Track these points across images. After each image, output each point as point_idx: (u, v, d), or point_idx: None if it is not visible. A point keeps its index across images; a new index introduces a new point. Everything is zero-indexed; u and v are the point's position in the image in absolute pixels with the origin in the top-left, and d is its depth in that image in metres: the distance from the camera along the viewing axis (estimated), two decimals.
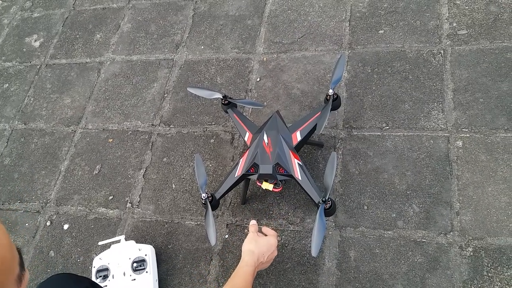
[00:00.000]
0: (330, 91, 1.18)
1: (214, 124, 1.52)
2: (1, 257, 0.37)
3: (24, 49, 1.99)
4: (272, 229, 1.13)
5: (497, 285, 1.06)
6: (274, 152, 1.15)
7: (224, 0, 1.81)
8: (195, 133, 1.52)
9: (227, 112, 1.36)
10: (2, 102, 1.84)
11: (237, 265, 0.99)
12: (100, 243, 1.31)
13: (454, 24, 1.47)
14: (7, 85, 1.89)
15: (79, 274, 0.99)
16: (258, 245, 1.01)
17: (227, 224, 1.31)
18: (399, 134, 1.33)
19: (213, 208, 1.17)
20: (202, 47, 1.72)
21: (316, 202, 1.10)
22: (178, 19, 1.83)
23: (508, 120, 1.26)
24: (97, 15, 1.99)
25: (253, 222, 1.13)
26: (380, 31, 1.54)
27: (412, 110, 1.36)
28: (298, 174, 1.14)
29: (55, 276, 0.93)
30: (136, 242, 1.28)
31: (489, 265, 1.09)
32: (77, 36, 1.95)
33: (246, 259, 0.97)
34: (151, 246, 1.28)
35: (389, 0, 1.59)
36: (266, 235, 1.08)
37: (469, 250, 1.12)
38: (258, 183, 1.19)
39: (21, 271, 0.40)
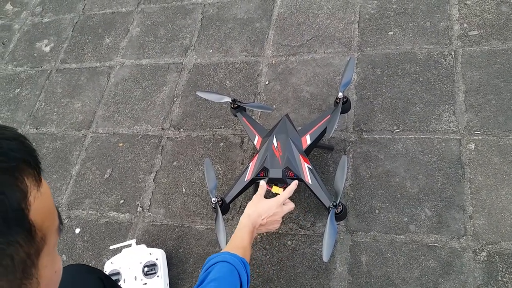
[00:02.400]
0: (340, 94, 1.18)
1: (223, 128, 1.52)
2: (48, 204, 0.42)
3: (35, 54, 2.01)
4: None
5: None
6: (283, 156, 1.15)
7: (233, 3, 1.81)
8: (205, 137, 1.52)
9: (236, 116, 1.36)
10: (13, 107, 1.87)
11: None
12: (111, 247, 1.32)
13: (465, 25, 1.46)
14: (18, 90, 1.92)
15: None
16: (257, 207, 1.03)
17: None
18: (410, 137, 1.31)
19: (223, 212, 1.17)
20: (211, 50, 1.73)
21: (327, 206, 1.09)
22: (186, 23, 1.84)
23: None
24: (106, 19, 2.00)
25: (262, 182, 1.13)
26: (390, 33, 1.53)
27: (423, 112, 1.34)
28: (308, 178, 1.14)
29: (69, 266, 0.96)
30: (147, 246, 1.29)
31: (503, 270, 1.07)
32: (87, 40, 1.96)
33: (243, 221, 1.01)
34: (162, 250, 1.29)
35: (399, 1, 1.58)
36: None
37: (483, 255, 1.10)
38: (268, 187, 1.19)
39: (60, 224, 0.46)
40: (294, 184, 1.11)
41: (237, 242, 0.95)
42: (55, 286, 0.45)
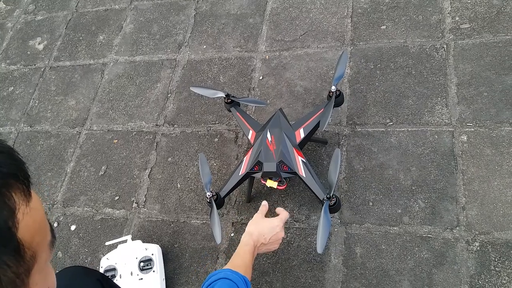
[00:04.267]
0: (333, 88, 1.19)
1: (217, 123, 1.52)
2: (39, 220, 0.40)
3: (28, 52, 2.00)
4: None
5: (504, 279, 1.06)
6: (277, 150, 1.15)
7: None
8: (199, 133, 1.52)
9: (230, 111, 1.36)
10: (7, 105, 1.86)
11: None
12: (107, 243, 1.32)
13: (457, 18, 1.46)
14: (12, 88, 1.91)
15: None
16: (259, 226, 1.03)
17: (233, 223, 1.32)
18: (403, 129, 1.32)
19: (218, 207, 1.18)
20: (205, 46, 1.73)
21: (321, 199, 1.10)
22: (180, 19, 1.84)
23: None
24: (99, 16, 2.00)
25: (264, 203, 1.14)
26: (382, 27, 1.53)
27: (415, 105, 1.35)
28: (302, 171, 1.14)
29: (67, 268, 0.96)
30: (143, 242, 1.29)
31: (496, 259, 1.09)
32: (80, 38, 1.96)
33: (244, 240, 1.00)
34: (158, 246, 1.29)
35: None
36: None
37: (475, 245, 1.11)
38: (262, 181, 1.19)
39: (52, 238, 0.44)
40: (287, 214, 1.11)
41: (239, 261, 0.95)
42: None
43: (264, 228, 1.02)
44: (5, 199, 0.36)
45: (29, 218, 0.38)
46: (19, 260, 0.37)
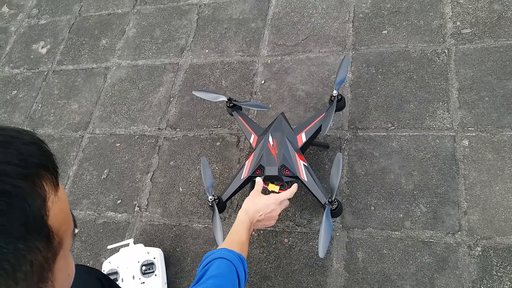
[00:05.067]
0: (334, 92, 1.19)
1: (219, 127, 1.53)
2: (65, 209, 0.43)
3: (32, 56, 2.02)
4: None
5: (506, 285, 1.06)
6: (279, 154, 1.16)
7: (228, 4, 1.82)
8: (201, 136, 1.53)
9: (232, 115, 1.36)
10: (11, 109, 1.87)
11: None
12: (109, 247, 1.32)
13: (458, 23, 1.47)
14: (15, 91, 1.92)
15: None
16: (255, 203, 1.04)
17: None
18: (404, 134, 1.33)
19: (220, 211, 1.18)
20: (207, 50, 1.73)
21: (323, 203, 1.10)
22: (182, 24, 1.85)
23: None
24: (102, 20, 2.01)
25: (258, 179, 1.14)
26: (384, 32, 1.54)
27: (417, 110, 1.35)
28: (304, 175, 1.15)
29: None
30: (145, 246, 1.29)
31: (498, 264, 1.08)
32: (83, 42, 1.97)
33: (241, 217, 1.02)
34: (160, 249, 1.29)
35: (392, 0, 1.59)
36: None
37: (477, 250, 1.11)
38: (264, 185, 1.19)
39: (75, 227, 0.47)
40: (295, 186, 1.11)
41: (235, 238, 0.96)
42: None
43: (260, 205, 1.04)
44: (37, 188, 0.39)
45: (57, 206, 0.41)
46: (48, 245, 0.40)
